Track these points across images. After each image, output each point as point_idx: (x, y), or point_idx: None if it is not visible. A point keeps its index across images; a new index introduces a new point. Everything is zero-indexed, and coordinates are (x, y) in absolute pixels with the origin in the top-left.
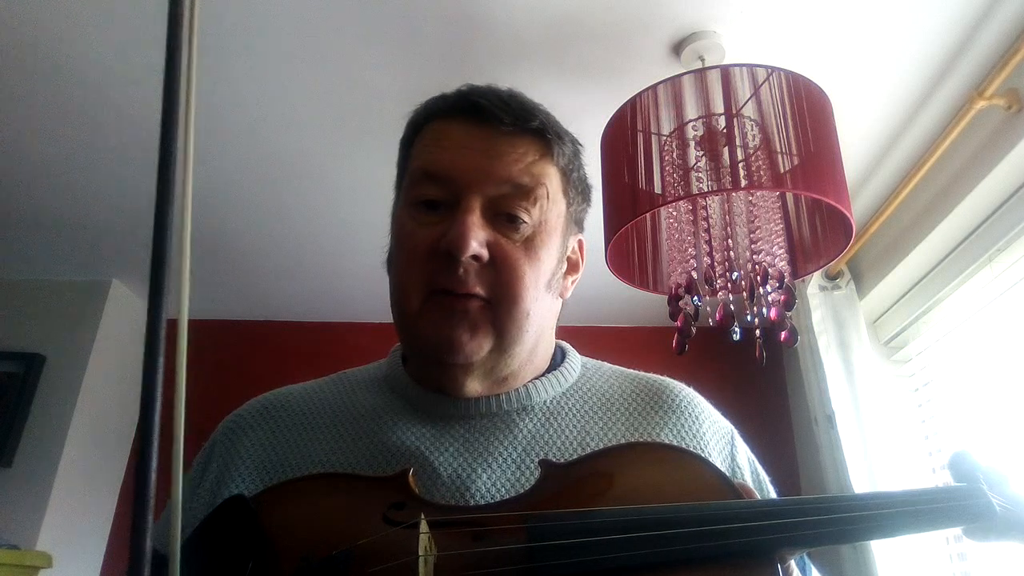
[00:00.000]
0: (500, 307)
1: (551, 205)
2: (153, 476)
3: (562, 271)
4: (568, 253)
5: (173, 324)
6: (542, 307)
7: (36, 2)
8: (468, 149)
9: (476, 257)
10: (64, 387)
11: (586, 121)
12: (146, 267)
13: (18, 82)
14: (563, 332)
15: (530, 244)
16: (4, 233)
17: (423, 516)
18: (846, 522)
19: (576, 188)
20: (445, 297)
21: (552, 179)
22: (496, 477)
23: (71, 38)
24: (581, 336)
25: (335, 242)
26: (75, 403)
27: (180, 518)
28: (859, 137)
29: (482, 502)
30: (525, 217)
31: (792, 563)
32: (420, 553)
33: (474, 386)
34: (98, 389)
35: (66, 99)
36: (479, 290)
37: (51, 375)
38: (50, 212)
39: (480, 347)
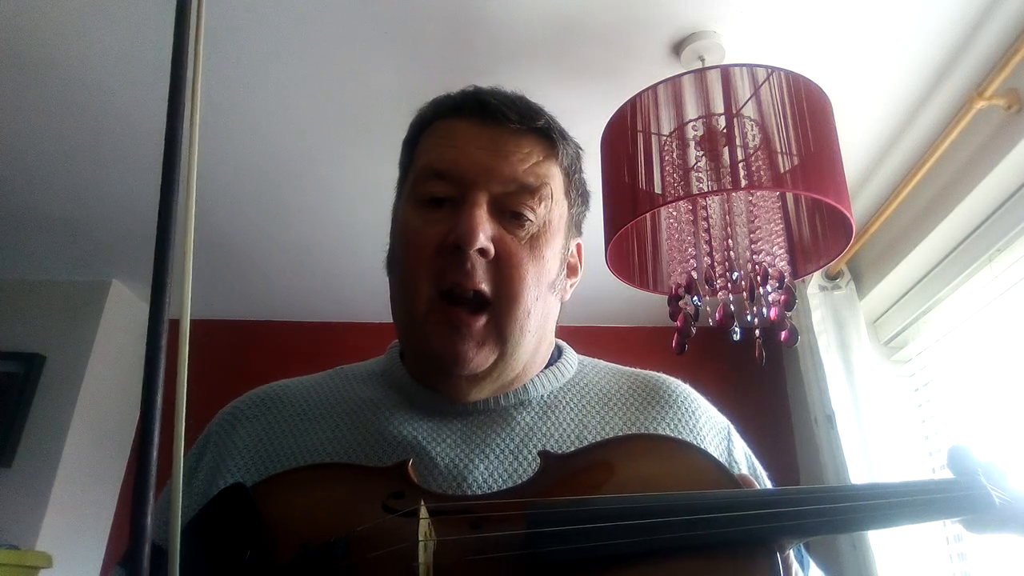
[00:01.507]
0: (502, 307)
1: (554, 205)
2: (153, 471)
3: (563, 273)
4: (568, 256)
5: (174, 324)
6: (543, 307)
7: (36, 3)
8: (475, 147)
9: (483, 252)
10: (64, 387)
11: (586, 121)
12: (146, 267)
13: (18, 82)
14: (563, 332)
15: (535, 243)
16: (4, 233)
17: (423, 503)
18: (845, 511)
19: (577, 190)
20: (452, 308)
21: (556, 179)
22: (493, 468)
23: (71, 39)
24: (581, 336)
25: (335, 242)
26: (75, 403)
27: (180, 511)
28: (859, 137)
29: (479, 492)
30: (530, 215)
31: (791, 555)
32: (420, 538)
33: (479, 394)
34: (98, 389)
35: (66, 99)
36: (484, 286)
37: (51, 375)
38: (50, 212)
39: (485, 359)
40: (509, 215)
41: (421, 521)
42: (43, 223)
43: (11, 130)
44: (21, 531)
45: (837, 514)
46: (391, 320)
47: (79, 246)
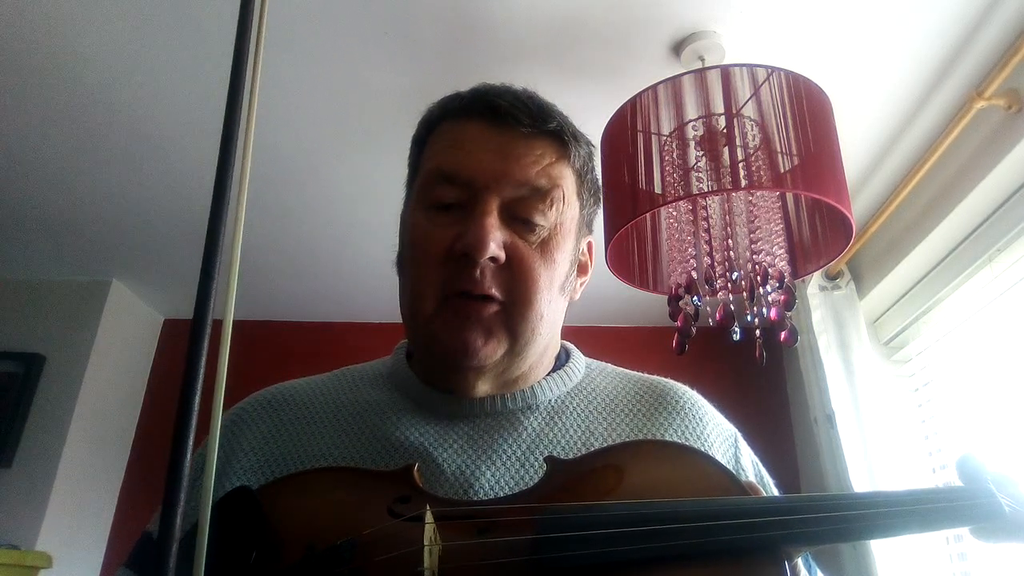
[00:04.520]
0: (514, 309)
1: (566, 208)
2: (187, 465)
3: (574, 273)
4: (579, 256)
5: (179, 324)
6: (554, 309)
7: (37, 2)
8: (485, 150)
9: (493, 259)
10: (64, 387)
11: (586, 121)
12: (146, 267)
13: (19, 82)
14: (564, 332)
15: (546, 246)
16: (4, 233)
17: (428, 507)
18: (853, 520)
19: (589, 190)
20: (460, 301)
21: (568, 181)
22: (500, 474)
23: (71, 39)
24: (581, 336)
25: (335, 242)
26: (75, 403)
27: (209, 509)
28: (859, 137)
29: (485, 499)
30: (541, 220)
31: (799, 563)
32: (425, 543)
33: (485, 388)
34: (98, 389)
35: (66, 100)
36: (495, 291)
37: (51, 375)
38: (50, 212)
39: (494, 351)
40: (520, 220)
41: (427, 526)
42: (43, 223)
43: (11, 130)
44: (21, 531)
45: (845, 522)
46: (391, 320)
47: (79, 246)
